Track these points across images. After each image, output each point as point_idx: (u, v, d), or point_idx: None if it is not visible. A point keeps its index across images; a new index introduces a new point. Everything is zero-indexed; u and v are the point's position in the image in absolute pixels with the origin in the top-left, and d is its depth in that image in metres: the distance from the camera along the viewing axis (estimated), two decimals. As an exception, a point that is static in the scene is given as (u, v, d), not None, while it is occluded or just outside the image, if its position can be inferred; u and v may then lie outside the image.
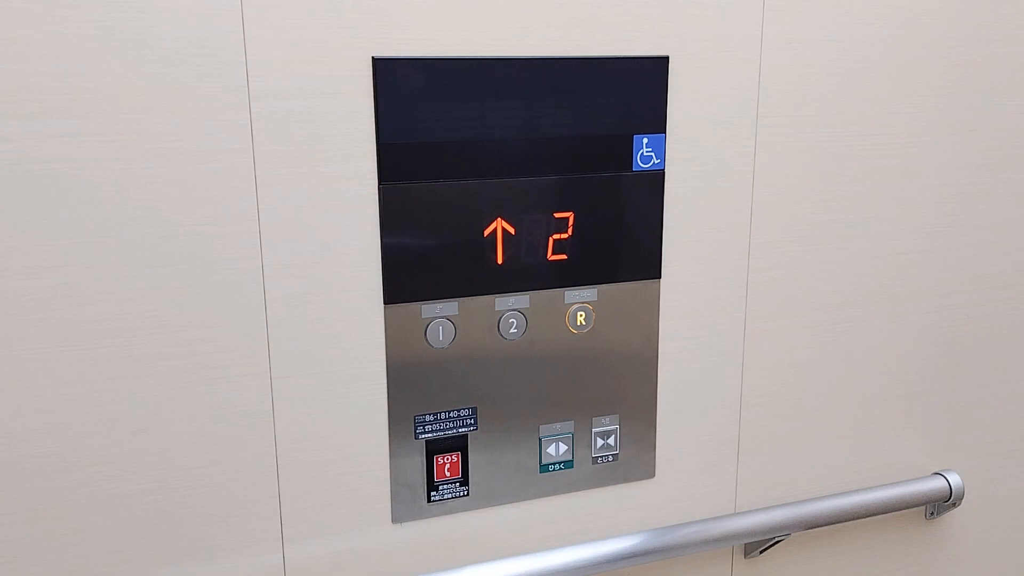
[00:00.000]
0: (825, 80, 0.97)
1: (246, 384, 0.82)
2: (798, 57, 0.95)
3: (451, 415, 0.90)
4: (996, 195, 1.09)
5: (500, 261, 0.88)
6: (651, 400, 0.98)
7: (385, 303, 0.85)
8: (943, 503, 1.13)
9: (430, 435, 0.90)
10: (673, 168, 0.93)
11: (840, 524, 1.08)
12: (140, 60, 0.73)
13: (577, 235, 0.90)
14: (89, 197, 0.74)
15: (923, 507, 1.15)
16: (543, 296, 0.91)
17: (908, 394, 1.12)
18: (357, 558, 0.90)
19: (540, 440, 0.94)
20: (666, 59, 0.90)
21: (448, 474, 0.91)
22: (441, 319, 0.87)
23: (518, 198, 0.87)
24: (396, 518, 0.90)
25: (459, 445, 0.91)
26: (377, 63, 0.80)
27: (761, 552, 1.06)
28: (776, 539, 1.04)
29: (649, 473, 1.00)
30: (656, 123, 0.91)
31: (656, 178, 0.92)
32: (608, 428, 0.97)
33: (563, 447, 0.95)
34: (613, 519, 1.00)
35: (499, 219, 0.87)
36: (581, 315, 0.93)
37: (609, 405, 0.96)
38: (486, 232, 0.87)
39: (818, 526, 1.05)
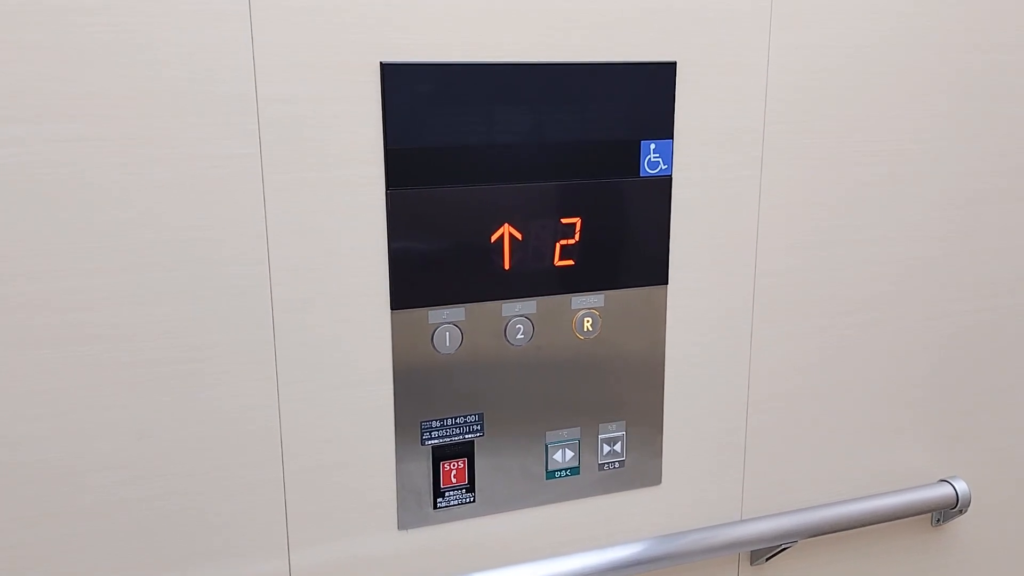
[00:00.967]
0: (832, 86, 0.97)
1: (253, 389, 0.82)
2: (805, 63, 0.95)
3: (457, 421, 0.90)
4: (1003, 201, 1.09)
5: (507, 267, 0.88)
6: (657, 406, 0.98)
7: (392, 308, 0.85)
8: (949, 510, 1.13)
9: (436, 441, 0.90)
10: (680, 174, 0.93)
11: (846, 531, 1.08)
12: (148, 64, 0.73)
13: (584, 241, 0.90)
14: (96, 201, 0.74)
15: (929, 514, 1.15)
16: (550, 302, 0.91)
17: (915, 401, 1.11)
18: (362, 564, 0.90)
19: (546, 446, 0.94)
20: (674, 65, 0.90)
21: (454, 480, 0.91)
22: (448, 325, 0.87)
23: (525, 203, 0.87)
24: (402, 524, 0.90)
25: (465, 451, 0.91)
26: (385, 68, 0.80)
27: (767, 559, 1.06)
28: (782, 546, 1.03)
29: (655, 480, 1.00)
30: (663, 129, 0.90)
31: (663, 184, 0.92)
32: (614, 434, 0.96)
33: (569, 453, 0.95)
34: (619, 526, 0.99)
35: (506, 225, 0.87)
36: (588, 321, 0.92)
37: (615, 411, 0.96)
38: (493, 238, 0.87)
39: (824, 533, 1.05)
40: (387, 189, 0.82)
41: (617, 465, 0.97)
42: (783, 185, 0.98)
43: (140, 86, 0.74)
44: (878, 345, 1.07)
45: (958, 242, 1.08)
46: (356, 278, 0.83)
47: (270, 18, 0.76)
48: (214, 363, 0.80)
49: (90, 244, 0.75)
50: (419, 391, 0.88)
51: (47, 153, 0.72)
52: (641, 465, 0.98)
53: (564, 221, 0.89)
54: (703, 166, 0.94)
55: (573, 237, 0.90)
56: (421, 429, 0.89)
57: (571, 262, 0.90)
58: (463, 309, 0.88)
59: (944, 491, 1.11)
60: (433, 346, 0.87)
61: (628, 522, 1.00)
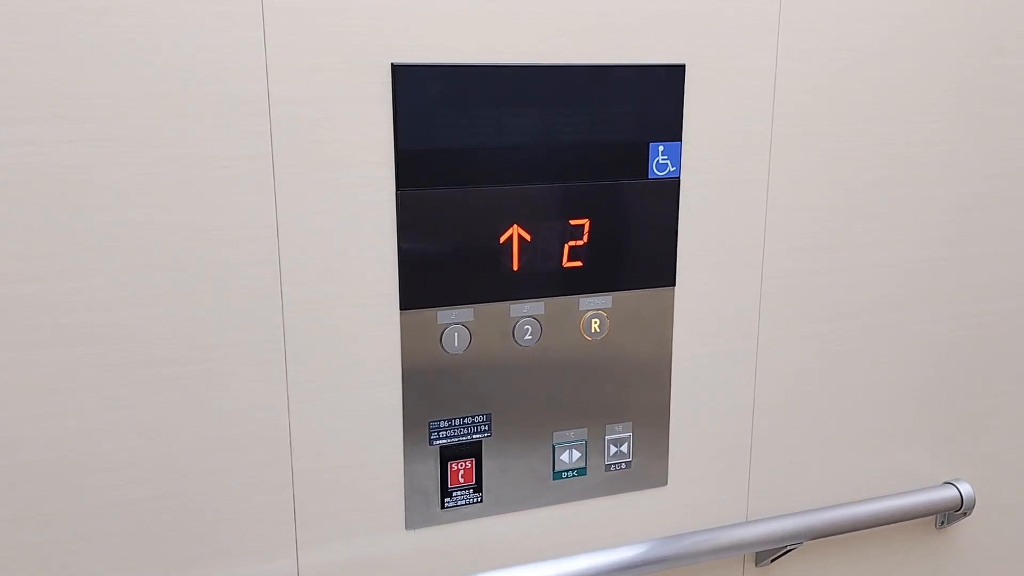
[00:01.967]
0: (840, 89, 0.97)
1: (262, 389, 0.82)
2: (813, 66, 0.95)
3: (465, 421, 0.90)
4: (1008, 205, 1.09)
5: (516, 268, 0.88)
6: (664, 408, 0.98)
7: (401, 309, 0.85)
8: (954, 512, 1.13)
9: (444, 441, 0.90)
10: (688, 176, 0.93)
11: (851, 533, 1.08)
12: (160, 66, 0.73)
13: (592, 242, 0.90)
14: (106, 202, 0.74)
15: (934, 516, 1.15)
16: (558, 303, 0.91)
17: (920, 403, 1.12)
18: (370, 564, 0.90)
19: (553, 447, 0.94)
20: (682, 67, 0.90)
21: (462, 480, 0.91)
22: (456, 325, 0.87)
23: (534, 205, 0.87)
24: (410, 524, 0.90)
25: (473, 451, 0.91)
26: (396, 69, 0.80)
27: (772, 561, 1.06)
28: (787, 548, 1.04)
29: (661, 481, 1.00)
30: (672, 131, 0.91)
31: (671, 186, 0.92)
32: (621, 435, 0.97)
33: (576, 454, 0.95)
34: (625, 526, 0.99)
35: (515, 226, 0.87)
36: (596, 322, 0.93)
37: (622, 412, 0.96)
38: (502, 239, 0.87)
39: (829, 535, 1.05)
40: (397, 190, 0.83)
41: (624, 466, 0.97)
42: (790, 188, 0.98)
43: (152, 87, 0.74)
44: (884, 347, 1.07)
45: (964, 245, 1.08)
46: (365, 279, 0.84)
47: (282, 20, 0.76)
48: (224, 364, 0.81)
49: (99, 244, 0.75)
50: (427, 391, 0.88)
51: (59, 154, 0.72)
52: (647, 466, 0.99)
53: (572, 222, 0.89)
54: (711, 168, 0.94)
55: (581, 238, 0.90)
56: (429, 429, 0.89)
57: (579, 263, 0.90)
58: (472, 310, 0.88)
59: (948, 493, 1.11)
60: (442, 346, 0.87)
61: (634, 523, 1.00)
